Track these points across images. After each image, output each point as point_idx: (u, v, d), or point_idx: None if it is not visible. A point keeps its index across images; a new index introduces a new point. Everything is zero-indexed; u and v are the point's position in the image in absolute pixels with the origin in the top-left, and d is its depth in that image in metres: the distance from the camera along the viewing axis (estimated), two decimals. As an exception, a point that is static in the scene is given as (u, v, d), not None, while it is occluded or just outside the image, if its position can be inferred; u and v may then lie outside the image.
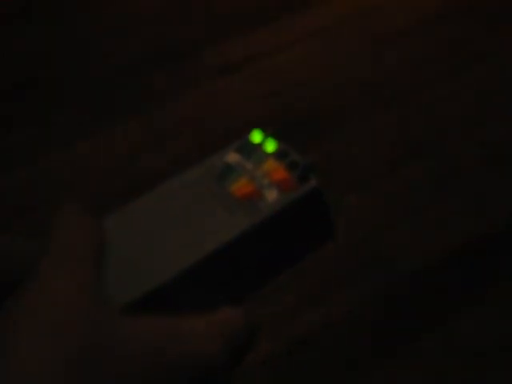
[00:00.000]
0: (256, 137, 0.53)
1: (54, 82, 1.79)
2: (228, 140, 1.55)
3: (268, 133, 0.49)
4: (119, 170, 1.55)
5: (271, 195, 0.50)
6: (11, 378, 0.38)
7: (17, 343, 0.39)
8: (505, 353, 1.22)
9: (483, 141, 1.60)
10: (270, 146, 0.52)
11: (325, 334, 1.26)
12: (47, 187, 1.54)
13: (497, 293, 1.30)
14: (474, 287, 1.32)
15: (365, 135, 1.62)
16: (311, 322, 1.28)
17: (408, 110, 1.67)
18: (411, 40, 1.85)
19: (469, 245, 1.38)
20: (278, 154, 0.52)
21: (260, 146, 0.53)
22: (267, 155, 0.52)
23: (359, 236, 1.41)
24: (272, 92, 1.70)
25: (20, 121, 1.69)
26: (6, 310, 0.41)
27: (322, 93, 1.71)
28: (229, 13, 1.96)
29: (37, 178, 1.55)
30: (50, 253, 0.43)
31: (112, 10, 2.00)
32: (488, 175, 1.52)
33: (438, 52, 1.82)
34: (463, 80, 1.75)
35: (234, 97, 1.70)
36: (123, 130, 1.64)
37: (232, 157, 0.52)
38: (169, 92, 1.74)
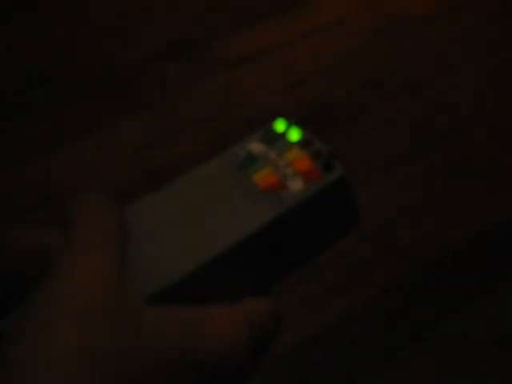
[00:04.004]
0: (279, 126, 0.52)
1: (70, 73, 1.79)
2: (242, 130, 1.54)
3: (291, 121, 0.48)
4: (135, 159, 1.55)
5: (295, 185, 0.49)
6: (38, 366, 0.37)
7: (43, 331, 0.39)
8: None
9: (497, 128, 1.59)
10: (294, 135, 0.52)
11: (343, 323, 1.25)
12: (61, 177, 1.53)
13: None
14: (490, 274, 1.31)
15: (379, 124, 1.61)
16: (328, 312, 1.27)
17: (422, 98, 1.66)
18: (425, 27, 1.84)
19: (483, 233, 1.38)
20: (302, 143, 0.51)
21: (283, 134, 0.52)
22: (291, 144, 0.51)
23: (374, 224, 1.40)
24: (287, 82, 1.70)
25: (35, 111, 1.69)
26: (32, 298, 0.41)
27: (337, 82, 1.70)
28: (241, 5, 1.95)
29: (50, 168, 1.55)
30: (75, 240, 0.43)
31: (123, 4, 1.99)
32: (502, 162, 1.51)
33: (452, 40, 1.81)
34: (476, 68, 1.73)
35: (247, 88, 1.70)
36: (138, 122, 1.64)
37: (255, 146, 0.51)
38: (182, 84, 1.74)
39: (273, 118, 1.54)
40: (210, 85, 1.72)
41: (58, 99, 1.71)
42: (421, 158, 1.53)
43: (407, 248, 1.37)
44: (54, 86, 1.75)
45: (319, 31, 1.84)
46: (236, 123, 1.59)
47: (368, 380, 1.19)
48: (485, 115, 1.62)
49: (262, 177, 0.49)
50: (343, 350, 1.22)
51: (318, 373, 1.20)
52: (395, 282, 1.31)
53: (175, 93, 1.70)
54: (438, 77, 1.71)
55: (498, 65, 1.73)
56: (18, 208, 1.45)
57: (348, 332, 1.24)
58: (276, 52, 1.80)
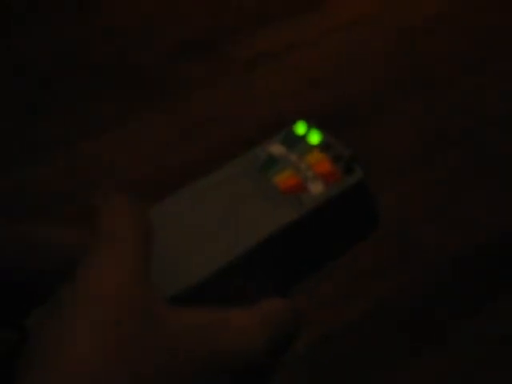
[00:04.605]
0: (300, 128, 0.52)
1: (89, 71, 1.80)
2: (256, 131, 1.55)
3: (312, 124, 0.48)
4: (148, 159, 1.56)
5: (316, 187, 0.49)
6: (65, 366, 0.38)
7: (69, 331, 0.39)
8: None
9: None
10: (314, 138, 0.52)
11: (362, 323, 1.26)
12: (74, 177, 1.55)
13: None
14: (504, 276, 1.31)
15: (403, 125, 1.61)
16: (349, 311, 1.27)
17: (446, 97, 1.66)
18: (448, 27, 1.84)
19: (506, 235, 1.37)
20: (323, 146, 0.51)
21: (304, 137, 0.53)
22: (311, 147, 0.52)
23: (388, 226, 1.40)
24: (301, 83, 1.70)
25: (55, 109, 1.70)
26: (58, 298, 0.41)
27: (357, 84, 1.70)
28: (256, 5, 1.96)
29: (63, 168, 1.56)
30: (101, 241, 0.43)
31: (136, 4, 2.00)
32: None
33: (477, 40, 1.80)
34: (501, 68, 1.73)
35: (261, 89, 1.70)
36: (151, 122, 1.65)
37: (276, 148, 0.52)
38: (196, 84, 1.74)
39: (288, 120, 1.55)
40: (224, 85, 1.72)
41: (68, 99, 1.72)
42: (445, 157, 1.53)
43: (430, 248, 1.36)
44: (65, 85, 1.76)
45: (334, 32, 1.84)
46: (249, 124, 1.59)
47: (381, 381, 1.19)
48: (510, 116, 1.61)
49: (283, 179, 0.50)
50: (356, 352, 1.22)
51: (331, 374, 1.20)
52: (408, 283, 1.31)
53: (188, 93, 1.70)
54: (463, 77, 1.70)
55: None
56: (30, 208, 1.46)
57: (361, 333, 1.25)
58: (291, 53, 1.80)
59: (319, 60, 1.77)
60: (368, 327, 1.25)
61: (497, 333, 1.23)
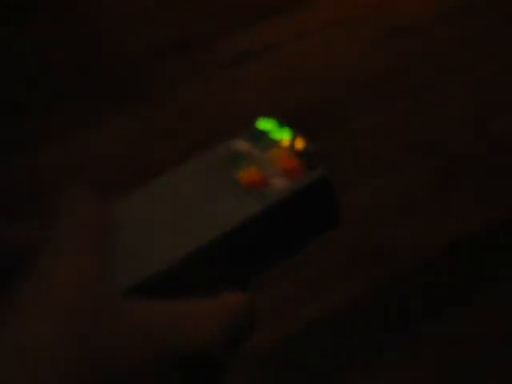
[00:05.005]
0: (264, 124, 0.53)
1: (67, 69, 1.80)
2: (233, 131, 1.55)
3: (276, 120, 0.49)
4: (132, 157, 1.56)
5: (279, 183, 0.50)
6: (24, 353, 0.38)
7: (29, 319, 0.40)
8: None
9: (492, 134, 1.59)
10: (279, 134, 0.53)
11: (326, 322, 1.26)
12: (59, 174, 1.55)
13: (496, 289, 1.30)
14: (478, 279, 1.32)
15: (376, 126, 1.62)
16: (313, 309, 1.28)
17: (420, 100, 1.67)
18: (425, 32, 1.85)
19: (483, 232, 1.38)
20: (287, 142, 0.52)
21: (268, 133, 0.53)
22: (275, 143, 0.52)
23: (370, 223, 1.41)
24: (284, 82, 1.70)
25: (31, 109, 1.70)
26: (17, 287, 0.42)
27: (334, 83, 1.71)
28: (240, 3, 1.96)
29: (48, 165, 1.56)
30: (60, 233, 0.44)
31: (123, 3, 2.00)
32: (489, 163, 1.52)
33: (451, 46, 1.81)
34: (476, 74, 1.74)
35: (245, 86, 1.71)
36: (136, 119, 1.65)
37: (240, 144, 0.52)
38: (181, 81, 1.75)
39: (265, 116, 1.55)
40: (208, 84, 1.73)
41: (53, 98, 1.72)
42: (417, 160, 1.54)
43: (395, 251, 1.37)
44: (49, 84, 1.76)
45: (318, 31, 1.85)
46: (233, 123, 1.60)
47: (352, 380, 1.20)
48: (481, 121, 1.63)
49: (246, 174, 0.50)
50: (325, 349, 1.23)
51: (298, 371, 1.21)
52: (380, 281, 1.32)
53: (164, 93, 1.71)
54: (437, 82, 1.72)
55: (495, 72, 1.73)
56: (2, 208, 1.46)
57: (330, 331, 1.25)
58: (274, 52, 1.81)
59: (298, 59, 1.78)
60: (340, 324, 1.26)
61: (465, 334, 1.24)
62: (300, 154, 0.51)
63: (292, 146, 0.52)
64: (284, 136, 0.52)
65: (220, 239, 0.47)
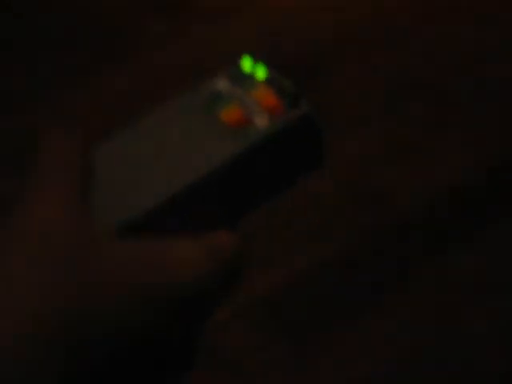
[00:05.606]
0: (246, 64, 0.53)
1: (49, 26, 1.78)
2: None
3: (258, 59, 0.48)
4: (120, 108, 1.55)
5: (261, 121, 0.50)
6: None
7: (4, 253, 0.39)
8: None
9: (484, 77, 1.59)
10: (261, 73, 0.52)
11: (323, 271, 1.27)
12: (44, 126, 1.54)
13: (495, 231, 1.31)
14: (474, 224, 1.32)
15: (364, 74, 1.61)
16: (310, 257, 1.29)
17: (408, 46, 1.66)
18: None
19: (468, 181, 1.39)
20: (269, 81, 0.52)
21: (250, 73, 0.53)
22: (258, 82, 0.52)
23: (359, 172, 1.42)
24: (269, 33, 1.69)
25: (12, 69, 1.68)
26: None
27: (321, 33, 1.70)
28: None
29: (38, 120, 1.56)
30: (37, 176, 0.43)
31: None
32: (488, 111, 1.52)
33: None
34: (462, 16, 1.73)
35: (231, 39, 1.69)
36: (121, 74, 1.64)
37: (222, 84, 0.52)
38: (166, 36, 1.73)
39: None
40: (185, 40, 1.71)
41: (36, 53, 1.71)
42: (407, 105, 1.53)
43: (392, 195, 1.38)
44: (27, 39, 1.74)
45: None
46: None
47: (342, 327, 1.21)
48: (472, 64, 1.62)
49: (228, 113, 0.50)
50: (319, 297, 1.24)
51: (294, 319, 1.22)
52: (378, 229, 1.32)
53: (150, 52, 1.70)
54: (424, 27, 1.71)
55: (483, 14, 1.72)
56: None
57: (321, 282, 1.26)
58: (257, 3, 1.79)
59: (284, 8, 1.77)
60: (328, 275, 1.26)
61: (451, 280, 1.25)
62: (283, 93, 0.51)
63: (273, 84, 0.52)
64: (265, 74, 0.52)
65: (207, 177, 0.47)
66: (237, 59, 0.54)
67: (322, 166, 0.52)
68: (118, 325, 0.40)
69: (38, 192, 0.42)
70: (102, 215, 0.45)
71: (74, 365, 0.39)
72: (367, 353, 1.18)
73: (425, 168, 1.42)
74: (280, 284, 1.25)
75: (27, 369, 0.37)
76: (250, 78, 0.52)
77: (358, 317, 1.21)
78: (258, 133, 0.49)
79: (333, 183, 1.39)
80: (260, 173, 0.49)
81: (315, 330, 1.20)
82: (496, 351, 1.16)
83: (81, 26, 1.76)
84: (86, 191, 0.44)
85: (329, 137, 1.46)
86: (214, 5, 1.80)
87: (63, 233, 0.41)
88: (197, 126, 0.50)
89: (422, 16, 1.73)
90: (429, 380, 1.16)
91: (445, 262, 1.27)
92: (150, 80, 1.62)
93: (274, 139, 0.49)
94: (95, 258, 0.41)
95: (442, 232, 1.31)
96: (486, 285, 1.24)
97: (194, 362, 0.47)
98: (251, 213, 0.51)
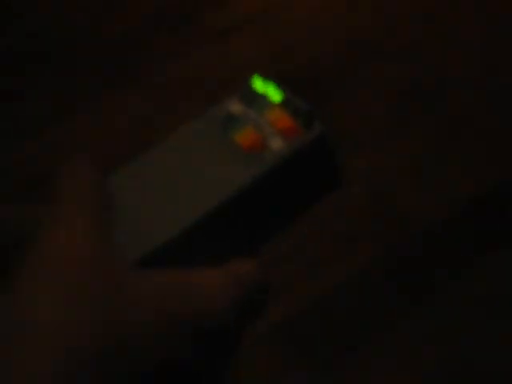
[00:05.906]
0: (258, 84, 0.52)
1: (63, 45, 1.79)
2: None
3: (270, 80, 0.48)
4: (131, 132, 1.55)
5: (276, 144, 0.49)
6: (25, 327, 0.38)
7: (30, 293, 0.39)
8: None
9: (495, 89, 1.58)
10: (273, 94, 0.52)
11: (338, 293, 1.26)
12: (60, 152, 1.54)
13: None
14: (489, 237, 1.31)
15: (377, 88, 1.60)
16: (324, 281, 1.28)
17: (420, 59, 1.66)
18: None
19: (487, 193, 1.38)
20: (282, 102, 0.51)
21: (263, 94, 0.52)
22: (271, 103, 0.52)
23: (373, 190, 1.41)
24: (278, 51, 1.69)
25: (32, 89, 1.69)
26: (19, 266, 0.41)
27: (328, 48, 1.69)
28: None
29: (52, 142, 1.56)
30: (58, 210, 0.43)
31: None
32: (502, 124, 1.51)
33: (439, 4, 1.80)
34: (475, 28, 1.73)
35: (238, 57, 1.69)
36: (125, 97, 1.64)
37: (235, 106, 0.52)
38: (171, 54, 1.73)
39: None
40: (198, 58, 1.71)
41: (53, 73, 1.71)
42: (420, 120, 1.53)
43: (408, 212, 1.37)
44: (43, 64, 1.75)
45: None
46: (225, 94, 1.59)
47: (366, 351, 1.20)
48: (485, 76, 1.61)
49: (243, 137, 0.50)
50: (340, 320, 1.23)
51: (314, 344, 1.21)
52: (395, 247, 1.31)
53: (163, 67, 1.69)
54: (437, 38, 1.70)
55: (495, 24, 1.72)
56: (3, 195, 1.46)
57: (345, 300, 1.25)
58: (264, 21, 1.79)
59: (292, 24, 1.77)
60: (346, 296, 1.25)
61: (483, 294, 1.24)
62: (295, 114, 0.50)
63: (286, 105, 0.51)
64: (278, 96, 0.51)
65: (223, 205, 0.46)
66: (247, 78, 0.53)
67: (338, 187, 0.51)
68: (144, 352, 0.40)
69: (62, 218, 0.41)
70: (123, 247, 0.44)
71: None
72: (391, 374, 1.17)
73: (441, 182, 1.41)
74: (294, 311, 1.24)
75: None
76: (262, 98, 0.51)
77: (383, 338, 1.20)
78: (275, 156, 0.48)
79: (349, 200, 1.38)
80: (277, 196, 0.49)
81: (340, 355, 1.19)
82: (496, 351, 1.15)
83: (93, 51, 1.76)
84: (107, 226, 0.43)
85: (343, 155, 1.45)
86: (226, 21, 1.80)
87: (88, 259, 0.40)
88: (212, 151, 0.49)
89: (434, 30, 1.73)
90: (429, 380, 1.15)
91: (471, 275, 1.26)
92: (164, 102, 1.62)
93: (290, 161, 0.48)
94: (120, 285, 0.40)
95: (467, 245, 1.30)
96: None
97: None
98: (271, 238, 0.49)
